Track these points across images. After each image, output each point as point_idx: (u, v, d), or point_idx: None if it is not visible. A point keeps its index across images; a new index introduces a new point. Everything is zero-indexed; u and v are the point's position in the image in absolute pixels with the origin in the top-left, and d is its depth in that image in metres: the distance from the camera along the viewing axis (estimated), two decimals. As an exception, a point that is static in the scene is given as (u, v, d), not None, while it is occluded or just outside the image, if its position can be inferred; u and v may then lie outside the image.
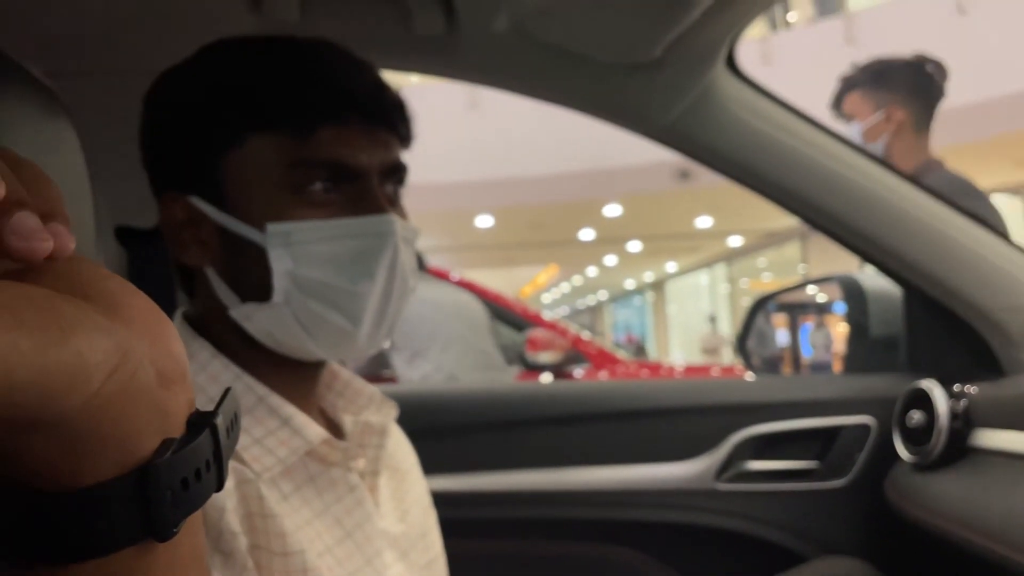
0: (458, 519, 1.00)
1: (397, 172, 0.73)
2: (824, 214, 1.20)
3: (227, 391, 0.33)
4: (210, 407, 0.31)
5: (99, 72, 1.05)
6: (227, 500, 0.61)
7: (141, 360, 0.27)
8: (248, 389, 0.69)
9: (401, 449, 0.85)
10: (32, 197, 0.27)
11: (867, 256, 1.24)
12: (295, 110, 0.68)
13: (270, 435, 0.67)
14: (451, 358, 2.74)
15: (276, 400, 0.69)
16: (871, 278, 1.43)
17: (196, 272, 0.73)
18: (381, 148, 0.71)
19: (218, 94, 0.70)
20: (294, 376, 0.72)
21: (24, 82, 0.55)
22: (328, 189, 0.68)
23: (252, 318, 0.70)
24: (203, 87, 0.71)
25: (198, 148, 0.70)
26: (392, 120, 0.72)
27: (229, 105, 0.69)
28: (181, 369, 0.29)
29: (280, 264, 0.67)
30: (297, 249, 0.67)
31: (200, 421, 0.30)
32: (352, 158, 0.69)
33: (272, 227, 0.67)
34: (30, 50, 0.97)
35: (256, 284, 0.68)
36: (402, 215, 0.74)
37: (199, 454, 0.29)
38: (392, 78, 0.76)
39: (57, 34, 0.98)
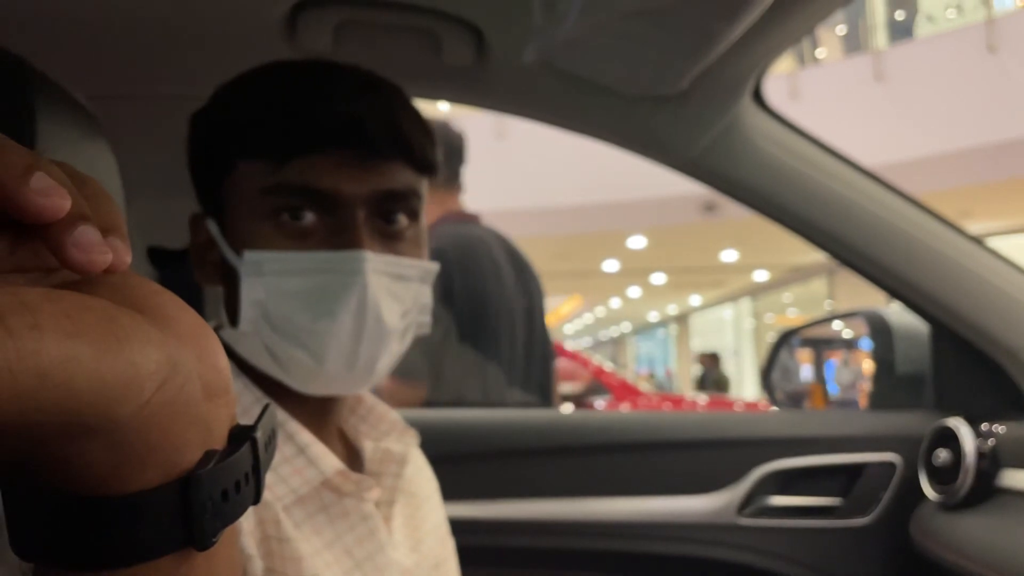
0: (476, 547, 0.99)
1: (400, 201, 0.69)
2: (850, 249, 1.20)
3: (266, 407, 0.34)
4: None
5: (137, 97, 1.08)
6: (245, 523, 0.61)
7: (189, 373, 0.27)
8: None
9: (420, 476, 0.84)
10: (93, 212, 0.28)
11: (894, 292, 1.23)
12: (273, 136, 0.67)
13: (285, 463, 0.67)
14: None
15: (294, 426, 0.69)
16: (898, 314, 1.41)
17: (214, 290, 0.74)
18: (372, 176, 0.67)
19: (218, 121, 0.71)
20: (313, 400, 0.72)
21: (66, 104, 0.57)
22: (308, 218, 0.67)
23: (238, 343, 0.70)
24: (214, 114, 0.73)
25: (206, 173, 0.72)
26: (386, 147, 0.68)
27: (223, 132, 0.70)
28: (225, 383, 0.30)
29: (250, 293, 0.67)
30: (268, 280, 0.67)
31: (241, 434, 0.31)
32: (330, 185, 0.66)
33: (247, 255, 0.67)
34: (72, 74, 1.00)
35: (235, 310, 0.69)
36: (412, 248, 0.71)
37: (239, 467, 0.30)
38: (421, 106, 0.76)
39: (99, 59, 1.01)
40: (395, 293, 0.69)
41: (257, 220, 0.67)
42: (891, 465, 1.26)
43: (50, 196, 0.26)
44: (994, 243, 1.22)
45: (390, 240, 0.69)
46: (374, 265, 0.66)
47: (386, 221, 0.69)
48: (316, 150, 0.66)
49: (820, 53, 10.59)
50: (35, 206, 0.26)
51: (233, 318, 0.70)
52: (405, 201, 0.70)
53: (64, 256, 0.26)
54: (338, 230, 0.67)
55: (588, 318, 23.88)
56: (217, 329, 0.73)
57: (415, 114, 0.73)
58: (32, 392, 0.23)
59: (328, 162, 0.66)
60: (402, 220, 0.70)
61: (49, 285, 0.27)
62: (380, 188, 0.68)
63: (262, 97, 0.70)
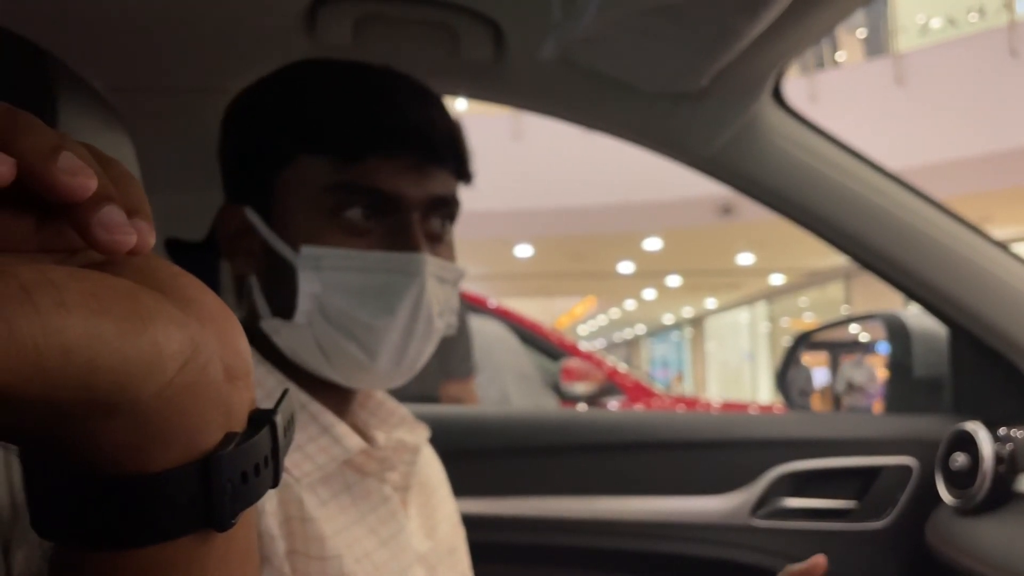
0: (487, 543, 0.99)
1: (446, 206, 0.73)
2: (868, 249, 1.19)
3: (285, 392, 0.34)
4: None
5: (157, 89, 1.08)
6: (267, 503, 0.62)
7: (211, 355, 0.28)
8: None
9: (431, 466, 0.85)
10: (118, 193, 0.28)
11: (912, 294, 1.22)
12: (345, 135, 0.68)
13: (311, 442, 0.68)
14: (499, 385, 2.78)
15: (317, 407, 0.70)
16: (915, 317, 1.40)
17: (244, 280, 0.75)
18: (429, 182, 0.70)
19: (280, 112, 0.72)
20: (330, 391, 0.73)
21: (86, 95, 0.57)
22: (367, 217, 0.69)
23: (279, 333, 0.71)
24: (269, 104, 0.74)
25: (256, 162, 0.73)
26: (444, 155, 0.71)
27: (287, 124, 0.71)
28: (246, 367, 0.30)
29: (307, 286, 0.68)
30: (326, 275, 0.68)
31: (261, 418, 0.31)
32: (393, 188, 0.69)
33: (305, 249, 0.68)
34: (93, 66, 1.01)
35: (284, 301, 0.70)
36: (448, 252, 0.73)
37: (259, 449, 0.30)
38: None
39: (119, 51, 1.02)
40: (437, 295, 0.71)
41: (315, 215, 0.69)
42: (907, 469, 1.25)
43: (77, 176, 0.26)
44: (1016, 248, 1.21)
45: (434, 243, 0.72)
46: (431, 268, 0.69)
47: (433, 225, 0.72)
48: (385, 152, 0.68)
49: (840, 56, 10.52)
50: (62, 185, 0.26)
51: (276, 308, 0.71)
52: (450, 207, 0.73)
53: (90, 236, 0.26)
54: (395, 231, 0.69)
55: (602, 319, 23.84)
56: (250, 318, 0.73)
57: (460, 125, 0.75)
58: (56, 369, 0.23)
59: (393, 165, 0.69)
60: (445, 225, 0.74)
61: (74, 265, 0.27)
62: (434, 194, 0.71)
63: (332, 94, 0.71)
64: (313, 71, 0.74)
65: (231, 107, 0.76)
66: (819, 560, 0.79)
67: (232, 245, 0.74)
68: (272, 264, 0.71)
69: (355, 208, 0.68)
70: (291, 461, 0.66)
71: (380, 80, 0.72)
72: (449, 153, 0.72)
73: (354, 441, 0.70)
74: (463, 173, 0.75)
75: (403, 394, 0.86)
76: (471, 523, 0.89)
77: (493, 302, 3.75)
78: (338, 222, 0.68)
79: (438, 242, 0.72)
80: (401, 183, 0.69)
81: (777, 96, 1.11)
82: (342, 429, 0.70)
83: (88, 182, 0.26)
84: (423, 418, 0.83)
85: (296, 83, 0.74)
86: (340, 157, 0.68)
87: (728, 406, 4.50)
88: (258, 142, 0.73)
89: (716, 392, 18.70)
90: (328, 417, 0.70)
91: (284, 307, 0.70)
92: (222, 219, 0.75)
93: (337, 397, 0.74)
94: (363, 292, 0.68)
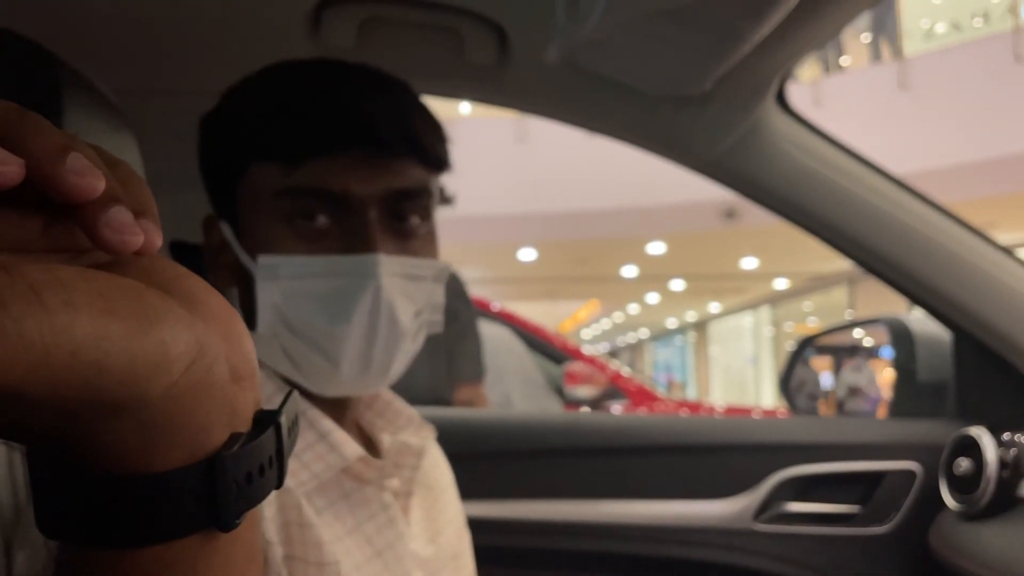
0: (490, 546, 0.99)
1: (415, 198, 0.70)
2: (872, 254, 1.19)
3: (290, 392, 0.34)
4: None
5: (162, 91, 1.09)
6: (266, 509, 0.62)
7: (217, 355, 0.28)
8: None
9: (437, 468, 0.85)
10: (125, 194, 0.28)
11: (916, 298, 1.22)
12: (287, 138, 0.67)
13: (307, 449, 0.67)
14: (502, 388, 2.79)
15: (315, 414, 0.69)
16: (919, 321, 1.40)
17: (225, 295, 0.73)
18: (383, 176, 0.68)
19: (231, 122, 0.71)
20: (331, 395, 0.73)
21: (92, 98, 0.58)
22: (321, 221, 0.67)
23: (255, 345, 0.70)
24: (224, 115, 0.73)
25: (220, 175, 0.72)
26: (396, 146, 0.68)
27: (237, 133, 0.70)
28: (251, 367, 0.30)
29: (266, 296, 0.67)
30: (285, 284, 0.67)
31: (265, 418, 0.31)
32: (342, 187, 0.66)
33: (262, 259, 0.67)
34: (99, 68, 1.01)
35: (252, 313, 0.69)
36: (425, 247, 0.71)
37: (263, 450, 0.30)
38: (440, 107, 0.76)
39: (125, 54, 1.02)
40: (409, 293, 0.69)
41: (271, 223, 0.67)
42: (911, 473, 1.25)
43: (85, 176, 0.26)
44: (1021, 253, 1.21)
45: (403, 239, 0.69)
46: (388, 268, 0.66)
47: (399, 220, 0.69)
48: (328, 152, 0.66)
49: (845, 60, 10.52)
50: (70, 186, 0.26)
51: (249, 320, 0.70)
52: (417, 200, 0.70)
53: (97, 236, 0.27)
54: (351, 232, 0.67)
55: (605, 323, 23.82)
56: None
57: (425, 111, 0.73)
58: (64, 368, 0.23)
59: (340, 163, 0.66)
60: (414, 219, 0.70)
61: (81, 265, 0.27)
62: (392, 188, 0.68)
63: (273, 99, 0.70)
64: (262, 76, 0.73)
65: (203, 119, 0.75)
66: None
67: (215, 260, 0.73)
68: (243, 277, 0.70)
69: (307, 212, 0.67)
70: (288, 469, 0.65)
71: (321, 77, 0.70)
72: (405, 144, 0.68)
73: (351, 449, 0.68)
74: (433, 162, 0.71)
75: (414, 398, 0.85)
76: (474, 526, 0.89)
77: (496, 306, 3.75)
78: (294, 229, 0.67)
79: (409, 238, 0.69)
80: (350, 181, 0.66)
81: (781, 100, 1.11)
82: (340, 436, 0.68)
83: (96, 183, 0.26)
84: (427, 421, 0.83)
85: (246, 91, 0.72)
86: (285, 161, 0.66)
87: (732, 410, 4.49)
88: (218, 154, 0.72)
89: (720, 396, 18.67)
90: (326, 423, 0.69)
91: (252, 319, 0.69)
92: (205, 234, 0.74)
93: (337, 400, 0.73)
94: (321, 298, 0.66)
